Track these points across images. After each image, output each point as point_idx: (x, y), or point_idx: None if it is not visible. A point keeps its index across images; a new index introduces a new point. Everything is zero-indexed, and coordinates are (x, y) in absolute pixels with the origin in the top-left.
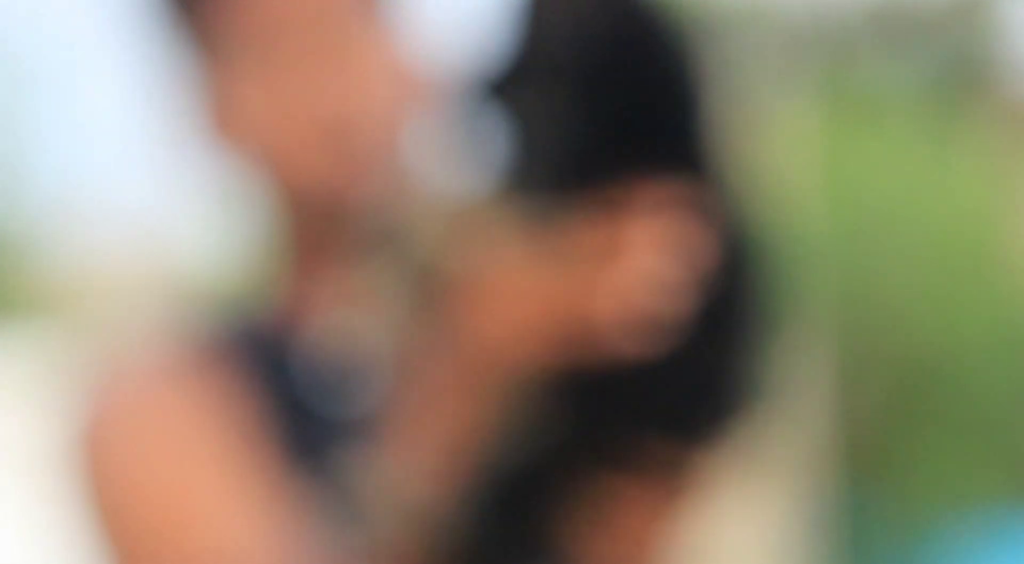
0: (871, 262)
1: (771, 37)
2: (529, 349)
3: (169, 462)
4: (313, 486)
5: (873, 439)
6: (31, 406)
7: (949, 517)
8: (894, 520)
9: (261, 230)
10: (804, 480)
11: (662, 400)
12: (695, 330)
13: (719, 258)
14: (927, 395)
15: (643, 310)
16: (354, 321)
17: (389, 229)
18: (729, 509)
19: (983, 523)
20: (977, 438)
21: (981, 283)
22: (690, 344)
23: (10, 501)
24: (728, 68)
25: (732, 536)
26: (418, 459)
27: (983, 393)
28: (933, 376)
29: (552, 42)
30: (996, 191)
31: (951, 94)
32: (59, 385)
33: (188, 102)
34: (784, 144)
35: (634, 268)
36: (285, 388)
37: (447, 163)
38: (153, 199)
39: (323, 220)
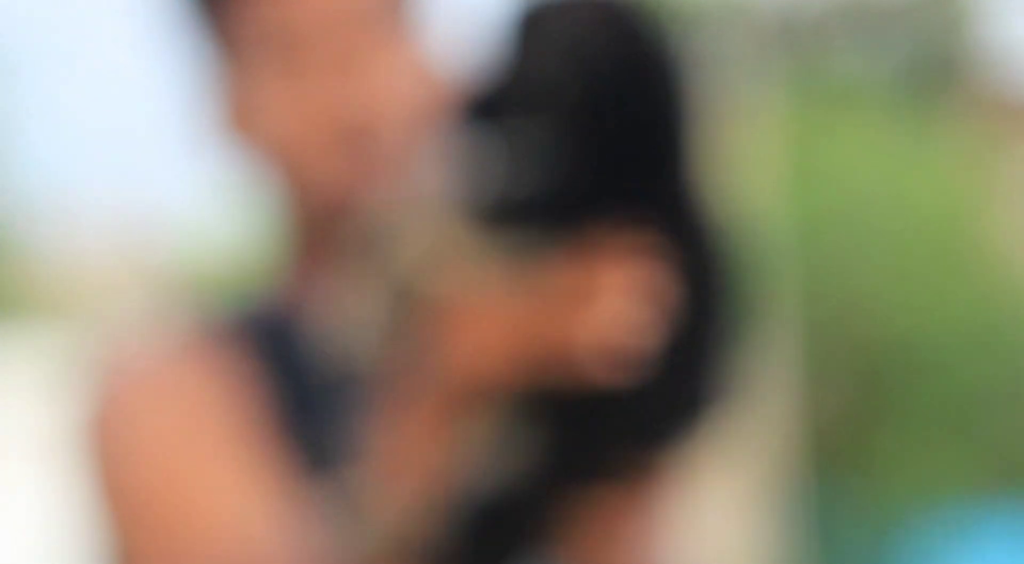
0: (840, 255)
1: (742, 28)
2: (502, 374)
3: (177, 444)
4: (314, 469)
5: (843, 432)
6: (35, 403)
7: (919, 509)
8: (864, 513)
9: (268, 223)
10: (774, 473)
11: (634, 416)
12: (666, 355)
13: (689, 288)
14: (897, 388)
15: (615, 346)
16: (348, 319)
17: (383, 235)
18: (699, 503)
19: (953, 515)
20: (947, 431)
21: (951, 275)
22: (661, 367)
23: (16, 494)
24: (707, 67)
25: (703, 530)
26: (391, 475)
27: (953, 385)
28: (903, 368)
29: (543, 72)
30: (966, 182)
31: (921, 85)
32: (65, 377)
33: (205, 98)
34: (755, 136)
35: (606, 309)
36: (289, 373)
37: (439, 182)
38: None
39: (329, 217)
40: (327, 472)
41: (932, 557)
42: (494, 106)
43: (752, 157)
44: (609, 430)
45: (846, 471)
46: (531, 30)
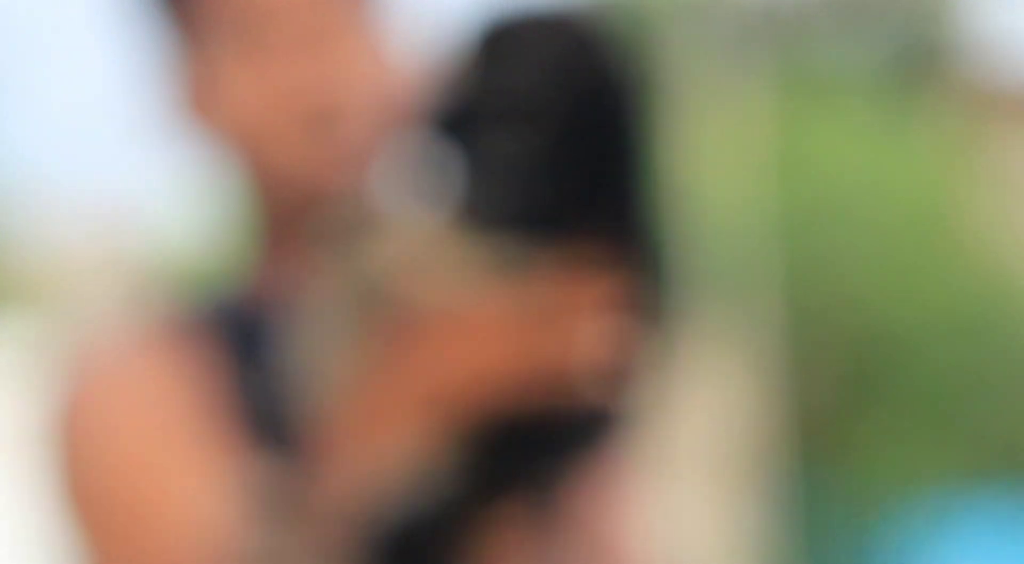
0: (823, 245)
1: (725, 19)
2: (485, 393)
3: (141, 439)
4: (274, 462)
5: (826, 422)
6: (6, 393)
7: (902, 499)
8: (847, 502)
9: (235, 212)
10: (758, 463)
11: (553, 433)
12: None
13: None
14: (881, 376)
15: (603, 363)
16: (314, 313)
17: (350, 227)
18: (684, 494)
19: (936, 504)
20: (930, 420)
21: (934, 265)
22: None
23: None
24: (684, 63)
25: (687, 521)
26: (333, 474)
27: (937, 374)
28: (887, 357)
29: (510, 84)
30: (950, 173)
31: (904, 76)
32: (34, 367)
33: (167, 83)
34: (738, 127)
35: (591, 326)
36: (256, 366)
37: (405, 186)
38: (126, 181)
39: (297, 205)
40: (284, 462)
41: (916, 546)
42: (461, 119)
43: (735, 148)
44: (528, 447)
45: (830, 461)
46: (499, 44)
